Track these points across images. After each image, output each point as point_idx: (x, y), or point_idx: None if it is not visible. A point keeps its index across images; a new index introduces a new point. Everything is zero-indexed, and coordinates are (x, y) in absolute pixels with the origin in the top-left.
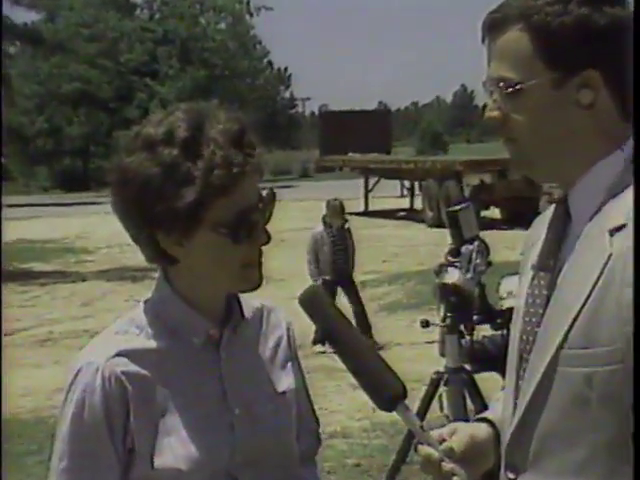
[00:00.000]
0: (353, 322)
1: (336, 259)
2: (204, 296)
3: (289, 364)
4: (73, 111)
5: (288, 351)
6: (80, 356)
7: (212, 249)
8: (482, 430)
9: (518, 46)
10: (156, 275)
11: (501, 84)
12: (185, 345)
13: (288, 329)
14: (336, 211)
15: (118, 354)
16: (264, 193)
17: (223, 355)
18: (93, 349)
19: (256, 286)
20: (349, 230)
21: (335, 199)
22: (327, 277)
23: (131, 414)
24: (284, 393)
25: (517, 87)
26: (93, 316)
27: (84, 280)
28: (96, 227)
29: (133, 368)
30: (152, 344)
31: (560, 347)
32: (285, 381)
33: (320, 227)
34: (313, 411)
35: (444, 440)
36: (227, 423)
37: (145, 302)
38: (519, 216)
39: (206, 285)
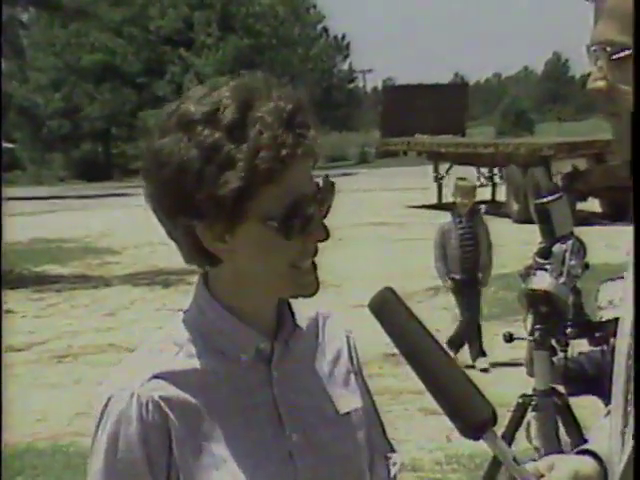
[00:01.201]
0: (458, 330)
1: (464, 254)
2: (251, 304)
3: (352, 379)
4: (94, 87)
5: (349, 364)
6: (109, 381)
7: (260, 245)
8: (588, 465)
9: (631, 5)
10: (194, 279)
11: (608, 49)
12: (231, 363)
13: (348, 339)
14: (465, 192)
15: (155, 377)
16: (320, 182)
17: (275, 373)
18: (124, 372)
19: (312, 291)
20: (481, 218)
21: (463, 178)
22: (456, 276)
23: (174, 446)
24: (348, 414)
25: (627, 53)
26: (119, 328)
27: (108, 285)
28: (122, 223)
29: (173, 392)
30: (193, 364)
31: None
32: (349, 400)
33: (449, 217)
34: (384, 433)
35: (542, 476)
36: (284, 452)
37: (183, 314)
38: (621, 209)
39: (253, 290)
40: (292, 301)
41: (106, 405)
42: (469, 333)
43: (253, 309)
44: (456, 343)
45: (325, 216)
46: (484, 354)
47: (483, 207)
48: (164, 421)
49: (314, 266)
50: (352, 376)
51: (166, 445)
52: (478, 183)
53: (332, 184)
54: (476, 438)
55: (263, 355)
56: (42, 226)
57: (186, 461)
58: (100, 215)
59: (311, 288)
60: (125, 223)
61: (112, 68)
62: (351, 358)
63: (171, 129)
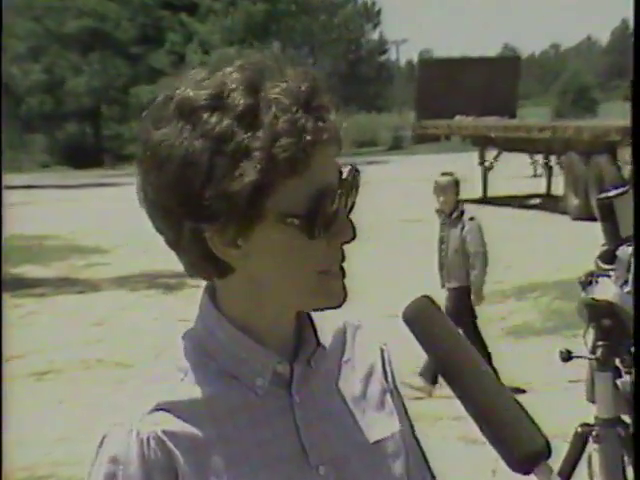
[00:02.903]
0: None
1: (445, 261)
2: (267, 319)
3: (387, 400)
4: (81, 58)
5: (384, 382)
6: (106, 417)
7: (279, 248)
8: None
9: None
10: (197, 283)
11: None
12: (245, 389)
13: (382, 352)
14: (442, 189)
15: (157, 409)
16: (344, 171)
17: (297, 398)
18: (122, 406)
19: (339, 301)
20: (469, 219)
21: (447, 173)
22: (452, 285)
23: None
24: (382, 441)
25: None
26: (109, 340)
27: (96, 290)
28: (113, 217)
29: (178, 426)
30: (201, 391)
31: None
32: (384, 424)
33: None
34: (426, 461)
35: None
36: None
37: (188, 334)
38: None
39: (270, 302)
40: (314, 314)
41: (100, 445)
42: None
43: (269, 326)
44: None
45: (350, 212)
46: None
47: (537, 201)
48: (169, 459)
49: (342, 271)
50: (387, 396)
51: None
52: (532, 173)
53: (357, 173)
54: (527, 472)
55: (282, 379)
56: (21, 220)
57: None
58: (88, 208)
59: (338, 297)
60: (117, 217)
61: (102, 35)
62: (385, 375)
63: (169, 118)
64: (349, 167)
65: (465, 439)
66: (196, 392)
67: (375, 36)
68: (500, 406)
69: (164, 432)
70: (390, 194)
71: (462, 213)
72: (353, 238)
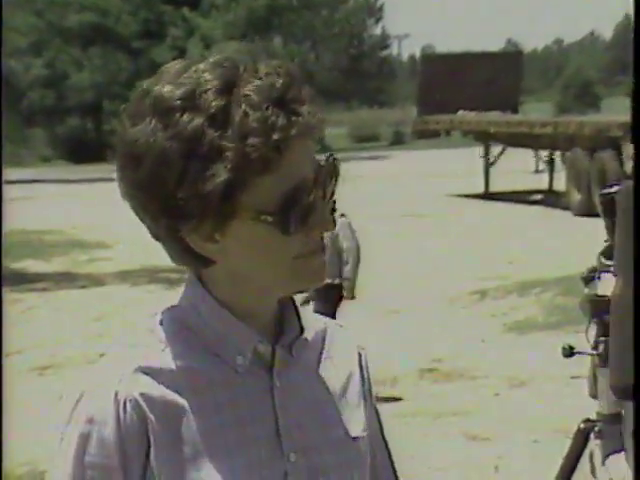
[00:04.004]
0: None
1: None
2: (249, 304)
3: (362, 403)
4: (82, 52)
5: (361, 385)
6: (82, 379)
7: (255, 244)
8: None
9: None
10: None
11: None
12: (226, 367)
13: (360, 356)
14: None
15: (136, 372)
16: (322, 162)
17: (277, 382)
18: (100, 368)
19: (317, 282)
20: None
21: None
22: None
23: (151, 453)
24: (356, 439)
25: None
26: (111, 335)
27: (98, 285)
28: (115, 212)
29: (157, 391)
30: (181, 364)
31: None
32: (357, 424)
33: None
34: (392, 466)
35: None
36: (279, 473)
37: (169, 310)
38: None
39: (250, 289)
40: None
41: (75, 405)
42: None
43: (252, 309)
44: None
45: (329, 202)
46: None
47: (539, 197)
48: (143, 424)
49: (319, 252)
50: (362, 399)
51: (143, 452)
52: (534, 169)
53: (335, 161)
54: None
55: (263, 360)
56: (22, 215)
57: (164, 473)
58: (89, 203)
59: (316, 278)
60: (118, 212)
61: (103, 30)
62: (362, 379)
63: (144, 114)
64: (326, 156)
65: (466, 435)
66: (176, 363)
67: (377, 31)
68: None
69: (141, 395)
70: (391, 189)
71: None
72: (332, 228)
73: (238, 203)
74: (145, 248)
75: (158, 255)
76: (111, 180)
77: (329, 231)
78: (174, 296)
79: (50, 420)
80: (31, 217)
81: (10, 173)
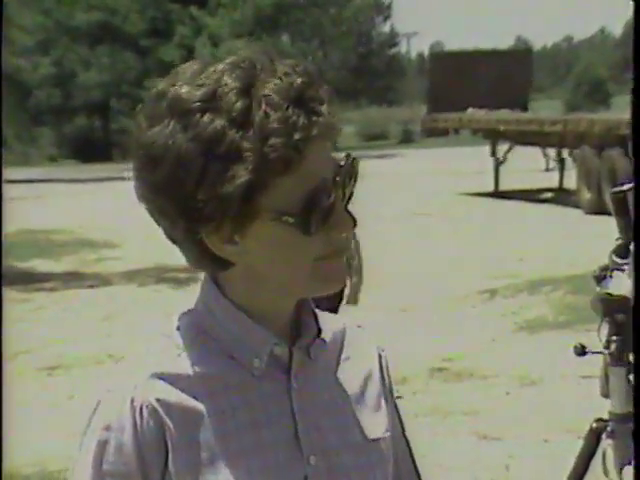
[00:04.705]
0: None
1: None
2: (267, 304)
3: (382, 404)
4: (90, 51)
5: (381, 387)
6: (100, 387)
7: (276, 245)
8: None
9: None
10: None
11: None
12: (242, 370)
13: (380, 358)
14: None
15: (152, 378)
16: (341, 162)
17: (295, 384)
18: (117, 375)
19: (338, 286)
20: None
21: None
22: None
23: (169, 459)
24: (377, 441)
25: None
26: (119, 335)
27: (106, 284)
28: (123, 211)
29: (173, 396)
30: (198, 368)
31: None
32: (378, 426)
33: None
34: (416, 469)
35: None
36: (299, 476)
37: (185, 314)
38: None
39: (269, 291)
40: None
41: (93, 413)
42: None
43: (269, 311)
44: None
45: (348, 202)
46: None
47: (550, 195)
48: (160, 430)
49: (341, 256)
50: (383, 400)
51: (162, 459)
52: (544, 167)
53: (354, 162)
54: None
55: (280, 362)
56: (29, 214)
57: (182, 477)
58: (97, 202)
59: (337, 282)
60: (126, 211)
61: (111, 28)
62: (383, 380)
63: (162, 115)
64: (345, 156)
65: (477, 434)
66: (193, 368)
67: (386, 29)
68: None
69: (158, 401)
70: (400, 187)
71: None
72: (353, 227)
73: (258, 204)
74: (153, 247)
75: (166, 254)
76: (119, 179)
77: (348, 232)
78: (182, 296)
79: (58, 420)
80: (38, 216)
81: (17, 172)
